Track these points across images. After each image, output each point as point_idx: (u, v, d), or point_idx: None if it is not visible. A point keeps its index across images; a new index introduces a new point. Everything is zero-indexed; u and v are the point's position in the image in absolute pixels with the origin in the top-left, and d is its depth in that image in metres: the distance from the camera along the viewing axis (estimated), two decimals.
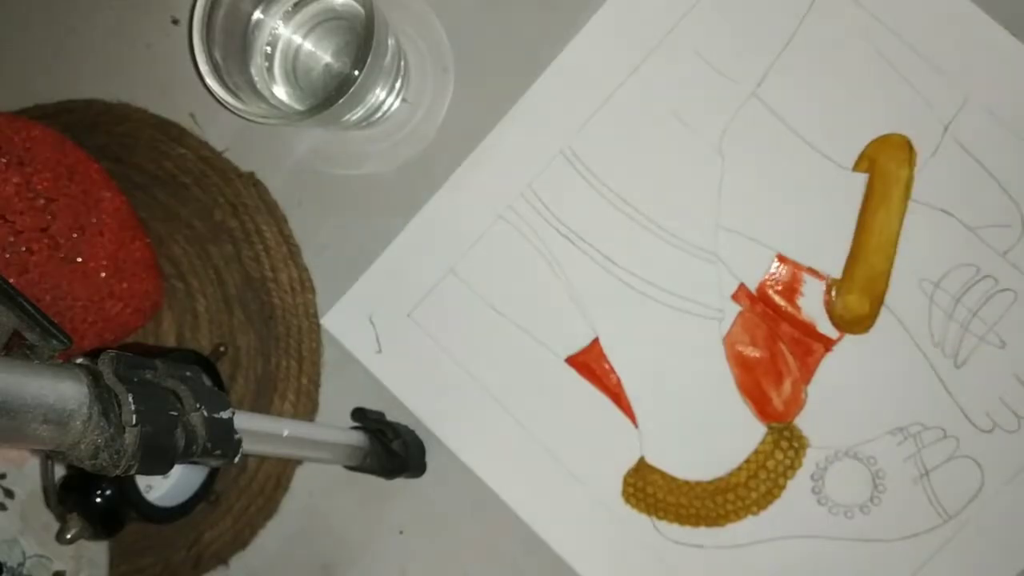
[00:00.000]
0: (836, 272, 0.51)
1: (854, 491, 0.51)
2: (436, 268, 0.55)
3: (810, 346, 0.51)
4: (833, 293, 0.51)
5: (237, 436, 0.35)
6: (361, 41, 0.47)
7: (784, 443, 0.51)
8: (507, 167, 0.55)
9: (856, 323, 0.51)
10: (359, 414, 0.52)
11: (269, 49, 0.53)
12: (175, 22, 0.60)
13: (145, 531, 0.57)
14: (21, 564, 0.51)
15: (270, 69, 0.53)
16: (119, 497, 0.47)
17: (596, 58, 0.54)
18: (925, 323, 0.50)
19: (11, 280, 0.46)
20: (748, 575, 0.51)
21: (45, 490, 0.51)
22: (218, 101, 0.49)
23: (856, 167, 0.51)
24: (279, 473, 0.57)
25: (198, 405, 0.33)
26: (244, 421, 0.36)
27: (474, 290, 0.55)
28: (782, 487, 0.51)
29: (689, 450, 0.52)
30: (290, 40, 0.53)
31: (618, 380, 0.53)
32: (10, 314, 0.31)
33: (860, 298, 0.50)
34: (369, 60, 0.47)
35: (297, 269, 0.57)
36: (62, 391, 0.29)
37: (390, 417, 0.54)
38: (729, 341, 0.52)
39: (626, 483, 0.53)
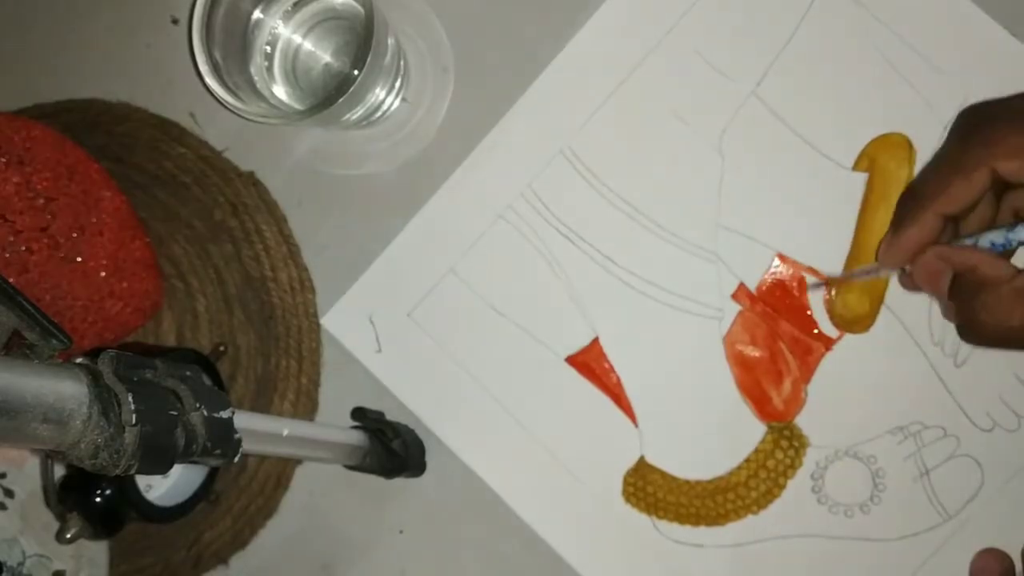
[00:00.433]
0: (836, 271, 0.51)
1: (854, 490, 0.51)
2: (436, 268, 0.55)
3: (810, 345, 0.51)
4: (833, 292, 0.51)
5: (237, 436, 0.35)
6: (361, 41, 0.47)
7: (784, 442, 0.51)
8: (507, 167, 0.55)
9: (856, 322, 0.51)
10: (359, 414, 0.52)
11: (269, 48, 0.53)
12: (175, 21, 0.60)
13: (145, 531, 0.57)
14: (21, 563, 0.51)
15: (270, 68, 0.53)
16: (119, 497, 0.47)
17: (596, 57, 0.54)
18: (925, 322, 0.50)
19: (11, 279, 0.46)
20: (748, 574, 0.51)
21: (45, 489, 0.51)
22: (218, 101, 0.49)
23: (856, 166, 0.51)
24: (279, 473, 0.57)
25: (198, 405, 0.33)
26: (244, 421, 0.36)
27: (474, 290, 0.55)
28: (782, 486, 0.51)
29: (689, 449, 0.52)
30: (290, 39, 0.53)
31: (618, 379, 0.53)
32: (10, 314, 0.31)
33: (860, 297, 0.50)
34: (369, 60, 0.47)
35: (297, 269, 0.57)
36: (62, 391, 0.29)
37: (390, 417, 0.54)
38: (729, 340, 0.52)
39: (626, 482, 0.53)
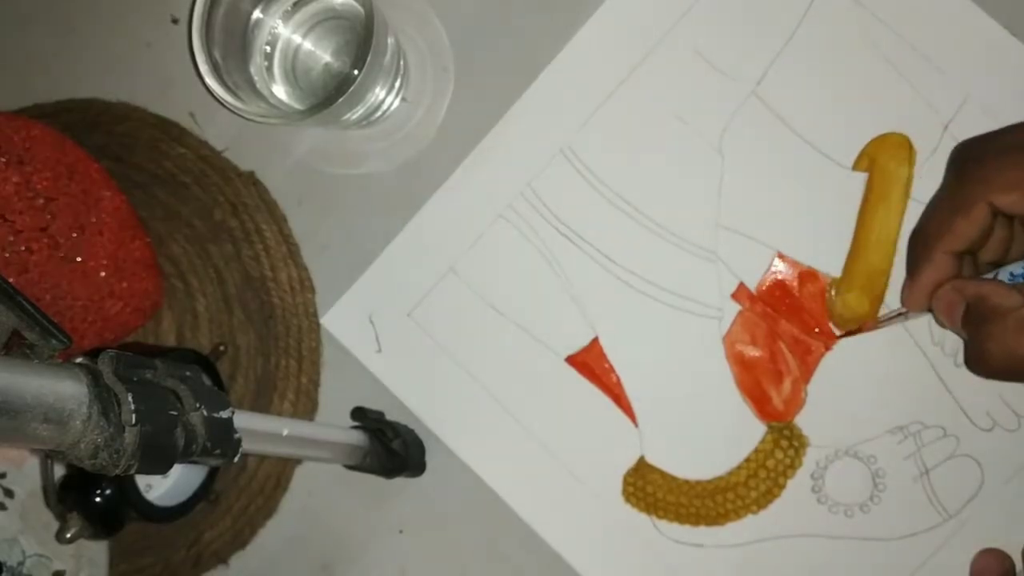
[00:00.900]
0: (836, 271, 0.51)
1: (854, 490, 0.51)
2: (436, 268, 0.55)
3: (810, 345, 0.51)
4: (833, 292, 0.51)
5: (237, 435, 0.35)
6: (361, 40, 0.47)
7: (784, 442, 0.51)
8: (507, 166, 0.55)
9: (856, 321, 0.51)
10: (359, 413, 0.52)
11: (269, 48, 0.53)
12: (175, 21, 0.60)
13: (145, 530, 0.57)
14: (21, 563, 0.51)
15: (270, 68, 0.53)
16: (119, 496, 0.47)
17: (595, 57, 0.54)
18: (925, 322, 0.50)
19: (11, 279, 0.46)
20: (748, 574, 0.51)
21: (45, 489, 0.51)
22: (218, 100, 0.49)
23: (856, 166, 0.51)
24: (279, 472, 0.57)
25: (198, 404, 0.33)
26: (244, 420, 0.36)
27: (474, 290, 0.55)
28: (782, 486, 0.51)
29: (689, 449, 0.52)
30: (290, 39, 0.53)
31: (618, 379, 0.53)
32: (10, 313, 0.31)
33: (860, 297, 0.50)
34: (369, 59, 0.47)
35: (297, 268, 0.57)
36: (62, 391, 0.29)
37: (390, 416, 0.54)
38: (729, 340, 0.52)
39: (626, 482, 0.53)
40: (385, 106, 0.55)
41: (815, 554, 0.51)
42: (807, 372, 0.51)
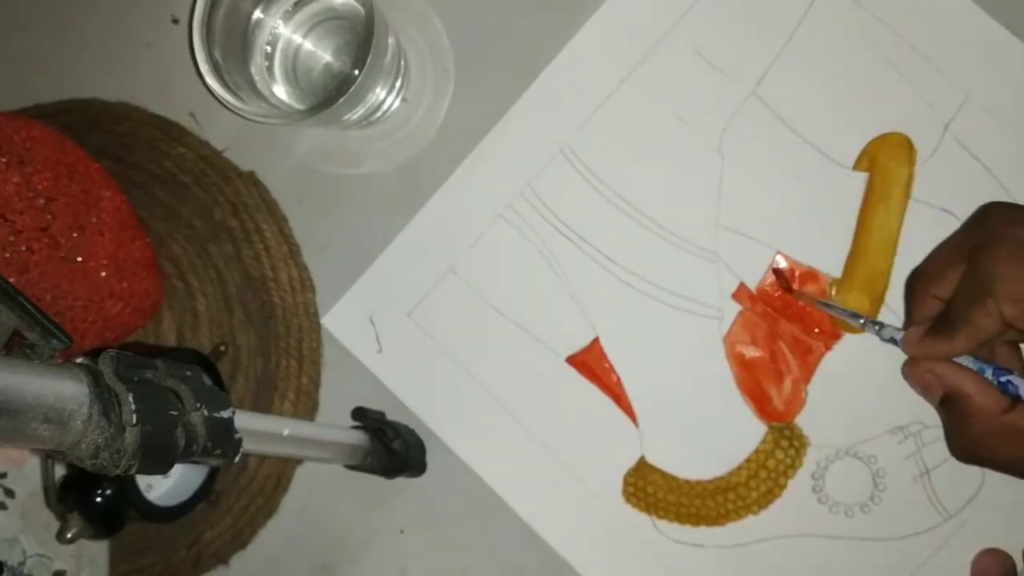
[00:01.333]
0: (836, 271, 0.51)
1: (855, 490, 0.51)
2: (436, 268, 0.55)
3: (810, 345, 0.51)
4: (833, 292, 0.51)
5: (237, 435, 0.35)
6: (361, 40, 0.47)
7: (784, 442, 0.51)
8: (507, 166, 0.55)
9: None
10: (359, 413, 0.52)
11: (269, 48, 0.53)
12: (175, 21, 0.60)
13: (145, 530, 0.57)
14: (22, 563, 0.51)
15: (270, 68, 0.53)
16: (119, 496, 0.47)
17: (595, 57, 0.54)
18: None
19: (11, 279, 0.46)
20: (748, 574, 0.51)
21: (45, 489, 0.51)
22: (218, 100, 0.49)
23: (856, 166, 0.51)
24: (279, 472, 0.57)
25: (198, 404, 0.33)
26: (244, 420, 0.36)
27: (474, 290, 0.55)
28: (783, 486, 0.51)
29: (689, 449, 0.52)
30: (290, 39, 0.53)
31: (618, 379, 0.53)
32: (10, 313, 0.31)
33: (860, 297, 0.50)
34: (369, 59, 0.47)
35: (297, 268, 0.57)
36: (62, 391, 0.29)
37: (390, 416, 0.54)
38: (729, 340, 0.52)
39: (626, 482, 0.53)
40: (385, 106, 0.55)
41: (816, 554, 0.51)
42: (807, 372, 0.51)
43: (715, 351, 0.52)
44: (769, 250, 0.52)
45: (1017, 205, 0.47)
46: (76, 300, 0.52)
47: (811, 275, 0.52)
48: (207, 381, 0.35)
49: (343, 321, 0.56)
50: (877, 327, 0.48)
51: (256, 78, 0.52)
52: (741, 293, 0.52)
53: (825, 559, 0.51)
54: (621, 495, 0.53)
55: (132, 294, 0.54)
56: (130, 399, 0.30)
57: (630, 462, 0.53)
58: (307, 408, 0.56)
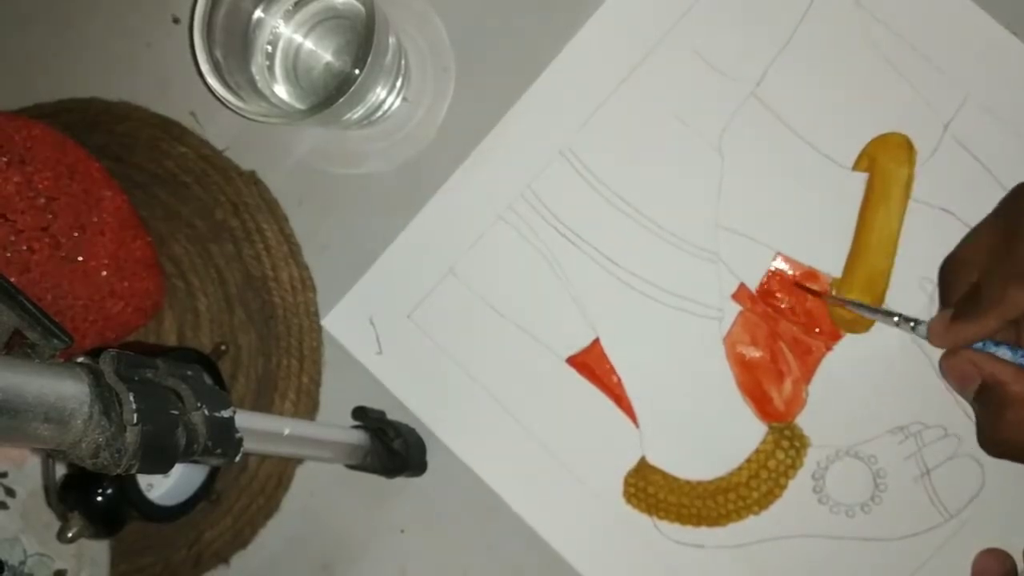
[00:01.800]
0: (836, 271, 0.51)
1: (855, 490, 0.51)
2: (436, 269, 0.55)
3: (810, 345, 0.51)
4: (834, 292, 0.51)
5: (238, 435, 0.35)
6: (362, 40, 0.47)
7: (785, 442, 0.51)
8: (506, 168, 0.55)
9: (856, 322, 0.51)
10: (360, 413, 0.52)
11: (270, 48, 0.53)
12: (176, 21, 0.60)
13: (146, 530, 0.57)
14: (22, 563, 0.51)
15: (271, 68, 0.53)
16: (120, 496, 0.47)
17: (595, 58, 0.54)
18: (925, 321, 0.50)
19: (12, 279, 0.46)
20: (749, 575, 0.51)
21: (46, 489, 0.51)
22: (219, 100, 0.49)
23: (856, 166, 0.51)
24: (280, 472, 0.57)
25: (199, 404, 0.33)
26: (245, 420, 0.36)
27: (474, 291, 0.55)
28: (783, 486, 0.51)
29: (690, 450, 0.52)
30: (291, 39, 0.53)
31: (619, 380, 0.53)
32: (11, 313, 0.31)
33: (860, 297, 0.50)
34: (370, 59, 0.47)
35: (298, 268, 0.57)
36: (63, 390, 0.29)
37: (391, 416, 0.54)
38: (729, 341, 0.52)
39: (627, 483, 0.53)
40: (386, 106, 0.55)
41: (816, 554, 0.51)
42: (808, 372, 0.51)
43: (715, 351, 0.52)
44: (769, 250, 0.52)
45: None
46: (77, 299, 0.52)
47: (811, 275, 0.52)
48: (208, 380, 0.35)
49: (343, 323, 0.56)
50: (912, 323, 0.47)
51: (257, 78, 0.52)
52: (741, 293, 0.52)
53: (826, 559, 0.51)
54: (622, 496, 0.53)
55: (133, 293, 0.54)
56: (131, 398, 0.30)
57: (631, 463, 0.53)
58: (308, 408, 0.56)
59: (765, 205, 0.52)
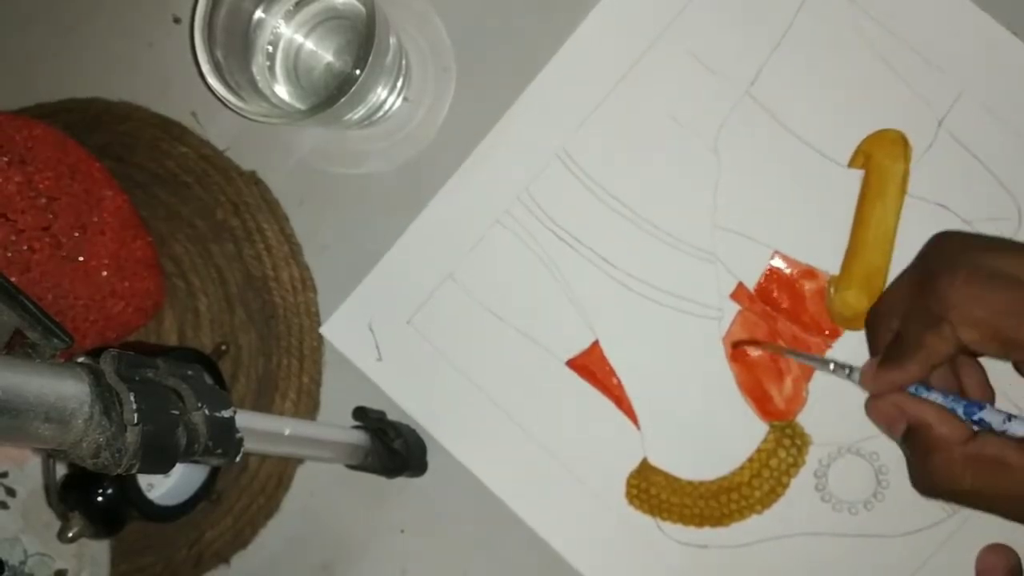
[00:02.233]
0: (834, 269, 0.51)
1: (858, 487, 0.51)
2: (434, 274, 0.55)
3: (810, 343, 0.51)
4: (832, 290, 0.51)
5: (239, 435, 0.35)
6: (362, 40, 0.47)
7: (787, 441, 0.51)
8: (502, 172, 0.55)
9: (855, 319, 0.50)
10: (360, 413, 0.52)
11: (271, 48, 0.53)
12: (176, 21, 0.60)
13: (146, 530, 0.57)
14: (23, 562, 0.51)
15: (272, 68, 0.53)
16: (120, 496, 0.47)
17: (588, 61, 0.54)
18: None
19: (13, 279, 0.46)
20: (752, 574, 0.51)
21: (47, 489, 0.51)
22: (219, 100, 0.49)
23: (852, 163, 0.51)
24: (280, 472, 0.57)
25: (200, 404, 0.33)
26: (245, 420, 0.36)
27: (473, 296, 0.55)
28: (785, 485, 0.51)
29: (692, 450, 0.52)
30: (292, 39, 0.53)
31: (619, 382, 0.53)
32: (12, 313, 0.31)
33: (858, 294, 0.50)
34: (370, 59, 0.47)
35: (298, 268, 0.57)
36: (64, 390, 0.29)
37: (391, 416, 0.54)
38: (729, 340, 0.52)
39: (629, 484, 0.53)
40: (387, 106, 0.55)
41: (820, 552, 0.51)
42: (808, 371, 0.51)
43: (715, 351, 0.52)
44: (767, 249, 0.52)
45: (968, 233, 0.47)
46: (77, 299, 0.52)
47: (809, 273, 0.52)
48: (208, 380, 0.35)
49: (342, 330, 0.56)
50: (847, 371, 0.48)
51: (257, 78, 0.52)
52: (740, 293, 0.52)
53: (829, 557, 0.51)
54: (624, 497, 0.53)
55: (133, 293, 0.54)
56: (131, 398, 0.30)
57: (633, 464, 0.53)
58: (308, 408, 0.56)
59: (762, 204, 0.52)
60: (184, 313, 0.58)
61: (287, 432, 0.42)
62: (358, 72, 0.47)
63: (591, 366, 0.53)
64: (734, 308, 0.52)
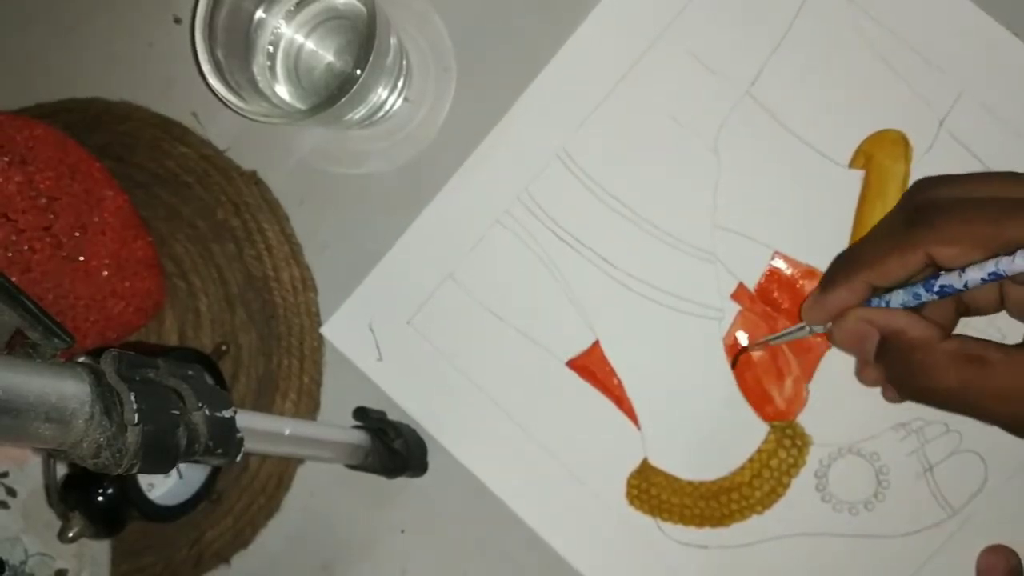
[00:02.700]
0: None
1: (858, 488, 0.51)
2: (435, 275, 0.55)
3: (810, 343, 0.51)
4: None
5: (239, 435, 0.35)
6: (363, 40, 0.47)
7: (787, 441, 0.51)
8: (502, 172, 0.55)
9: None
10: (360, 413, 0.52)
11: (271, 48, 0.53)
12: (177, 21, 0.60)
13: (146, 530, 0.57)
14: (23, 562, 0.51)
15: (272, 68, 0.53)
16: (121, 496, 0.47)
17: (589, 61, 0.54)
18: None
19: (13, 279, 0.46)
20: (753, 574, 0.51)
21: (47, 489, 0.51)
22: (220, 100, 0.49)
23: (852, 163, 0.51)
24: (281, 472, 0.57)
25: (200, 404, 0.33)
26: (246, 420, 0.36)
27: (473, 296, 0.55)
28: (786, 485, 0.51)
29: (692, 450, 0.52)
30: (292, 39, 0.53)
31: (619, 382, 0.53)
32: (12, 313, 0.31)
33: None
34: (371, 59, 0.47)
35: (299, 268, 0.57)
36: (64, 390, 0.29)
37: (391, 416, 0.54)
38: (729, 341, 0.52)
39: (630, 485, 0.53)
40: (387, 106, 0.55)
41: (820, 553, 0.51)
42: (808, 371, 0.51)
43: (716, 352, 0.52)
44: (767, 249, 0.52)
45: (949, 174, 0.46)
46: (78, 299, 0.52)
47: (810, 273, 0.52)
48: (209, 380, 0.35)
49: (342, 330, 0.56)
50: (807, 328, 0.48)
51: (258, 78, 0.52)
52: (740, 293, 0.52)
53: (830, 557, 0.51)
54: (625, 498, 0.53)
55: (134, 293, 0.55)
56: (132, 398, 0.30)
57: (633, 464, 0.53)
58: (308, 408, 0.56)
59: (762, 204, 0.52)
60: (185, 313, 0.58)
61: (287, 432, 0.42)
62: (359, 72, 0.47)
63: (591, 366, 0.53)
64: (735, 308, 0.52)
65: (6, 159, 0.50)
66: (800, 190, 0.52)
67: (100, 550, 0.54)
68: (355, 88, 0.47)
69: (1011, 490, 0.49)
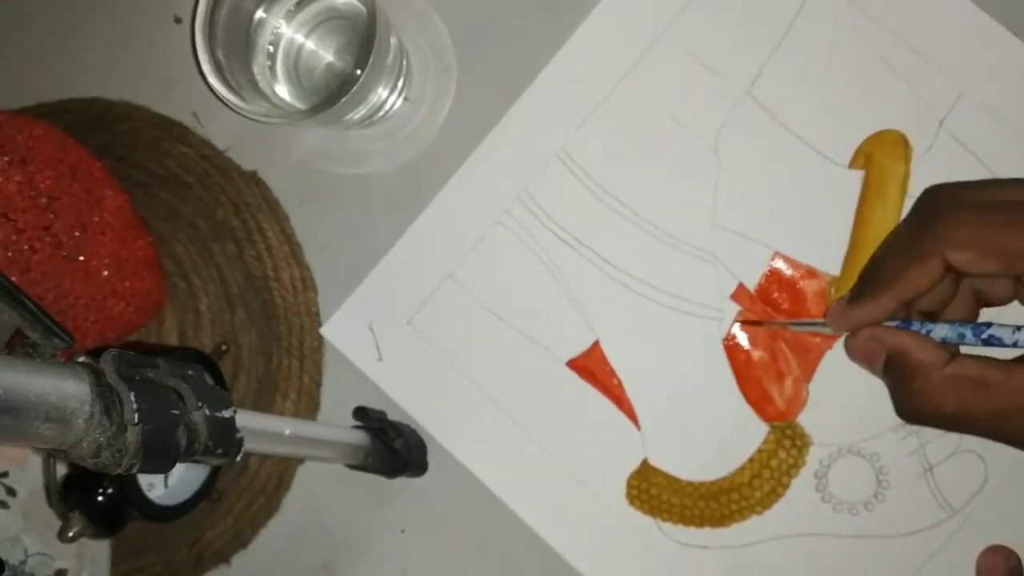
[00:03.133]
0: (834, 269, 0.51)
1: (858, 488, 0.51)
2: (435, 275, 0.55)
3: (810, 344, 0.51)
4: (833, 291, 0.51)
5: (239, 435, 0.35)
6: (363, 40, 0.47)
7: (787, 442, 0.51)
8: (502, 172, 0.55)
9: None
10: (361, 413, 0.52)
11: (271, 48, 0.53)
12: (177, 21, 0.60)
13: (146, 530, 0.57)
14: (23, 562, 0.51)
15: (272, 68, 0.53)
16: (121, 496, 0.47)
17: (589, 61, 0.54)
18: None
19: (13, 278, 0.46)
20: (753, 575, 0.51)
21: (47, 488, 0.51)
22: (220, 100, 0.49)
23: (852, 164, 0.51)
24: (281, 472, 0.57)
25: (200, 404, 0.33)
26: (246, 420, 0.36)
27: (473, 296, 0.55)
28: (786, 486, 0.51)
29: (692, 451, 0.52)
30: (292, 39, 0.54)
31: (619, 382, 0.53)
32: (12, 312, 0.31)
33: None
34: (371, 59, 0.47)
35: (299, 268, 0.57)
36: (64, 390, 0.29)
37: (391, 416, 0.54)
38: (729, 341, 0.52)
39: (630, 485, 0.53)
40: (387, 106, 0.55)
41: (820, 553, 0.51)
42: (808, 371, 0.51)
43: (716, 352, 0.52)
44: (767, 250, 0.52)
45: (961, 181, 0.47)
46: (78, 299, 0.52)
47: (810, 274, 0.52)
48: (209, 380, 0.35)
49: (342, 331, 0.56)
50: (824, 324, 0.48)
51: (258, 78, 0.52)
52: (740, 293, 0.52)
53: (830, 558, 0.51)
54: (625, 498, 0.53)
55: (134, 293, 0.55)
56: (132, 398, 0.30)
57: (633, 465, 0.53)
58: (308, 407, 0.56)
59: (762, 204, 0.52)
60: (185, 313, 0.58)
61: (287, 432, 0.42)
62: (359, 72, 0.47)
63: (591, 366, 0.53)
64: (735, 309, 0.52)
65: (6, 159, 0.49)
66: (800, 190, 0.52)
67: (100, 550, 0.54)
68: (355, 88, 0.47)
69: (1011, 490, 0.49)
